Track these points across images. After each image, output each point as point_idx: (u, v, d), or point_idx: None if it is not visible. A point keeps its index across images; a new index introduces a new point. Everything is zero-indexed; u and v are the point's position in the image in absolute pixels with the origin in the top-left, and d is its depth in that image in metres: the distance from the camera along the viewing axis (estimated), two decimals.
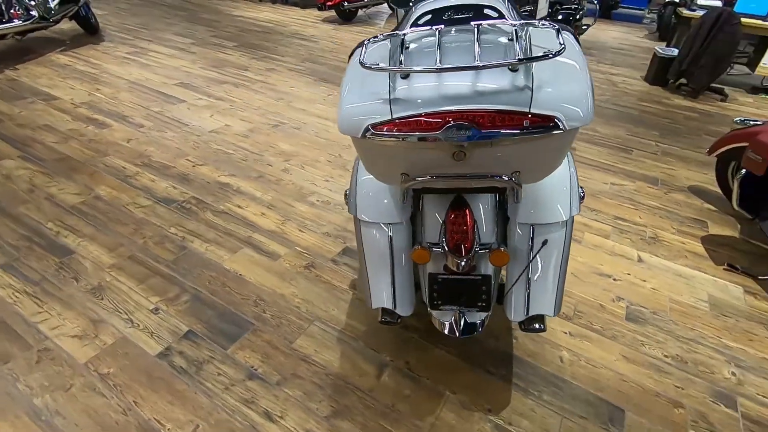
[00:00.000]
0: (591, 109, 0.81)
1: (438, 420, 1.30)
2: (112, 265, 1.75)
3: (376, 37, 0.98)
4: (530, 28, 0.92)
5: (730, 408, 1.41)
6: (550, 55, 0.76)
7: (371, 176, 1.34)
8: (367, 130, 0.86)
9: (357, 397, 1.34)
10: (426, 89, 0.83)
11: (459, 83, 0.82)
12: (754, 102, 4.51)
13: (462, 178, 0.94)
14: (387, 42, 0.99)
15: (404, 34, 0.94)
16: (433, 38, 0.93)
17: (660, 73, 4.67)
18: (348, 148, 2.81)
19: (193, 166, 2.47)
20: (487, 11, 1.03)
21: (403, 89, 0.85)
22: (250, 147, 2.72)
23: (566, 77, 0.82)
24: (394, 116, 0.84)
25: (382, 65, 0.83)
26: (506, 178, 0.93)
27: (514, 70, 0.82)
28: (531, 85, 0.80)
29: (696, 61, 4.25)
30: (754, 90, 4.85)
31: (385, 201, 1.29)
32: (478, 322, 1.24)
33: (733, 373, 1.53)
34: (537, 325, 1.25)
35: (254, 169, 2.49)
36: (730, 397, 1.44)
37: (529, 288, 1.24)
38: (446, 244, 1.16)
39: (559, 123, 0.79)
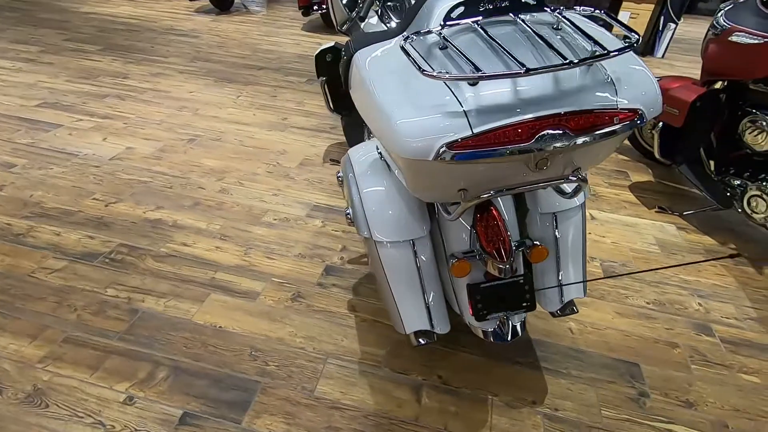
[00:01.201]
0: (661, 96, 0.79)
1: (493, 429, 1.25)
2: (44, 357, 1.35)
3: (409, 37, 0.83)
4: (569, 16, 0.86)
5: (709, 336, 1.61)
6: (634, 45, 0.71)
7: (375, 188, 1.20)
8: (441, 150, 0.73)
9: (406, 431, 1.24)
10: (506, 95, 0.73)
11: (541, 85, 0.73)
12: None
13: (533, 185, 0.87)
14: (407, 45, 0.85)
15: (441, 31, 0.82)
16: (477, 34, 0.82)
17: None
18: (284, 154, 2.55)
19: (106, 206, 2.02)
20: None
21: (477, 98, 0.73)
22: (169, 170, 2.32)
23: (630, 67, 0.79)
24: (476, 131, 0.72)
25: (455, 73, 0.70)
26: (574, 178, 0.88)
27: (590, 65, 0.76)
28: (612, 80, 0.75)
29: None
30: None
31: (403, 214, 1.17)
32: (520, 322, 1.21)
33: (700, 304, 1.74)
34: (572, 309, 1.27)
35: (185, 196, 2.13)
36: (706, 326, 1.64)
37: (560, 277, 1.23)
38: (484, 250, 1.09)
39: (643, 115, 0.76)
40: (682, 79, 2.32)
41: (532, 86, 0.74)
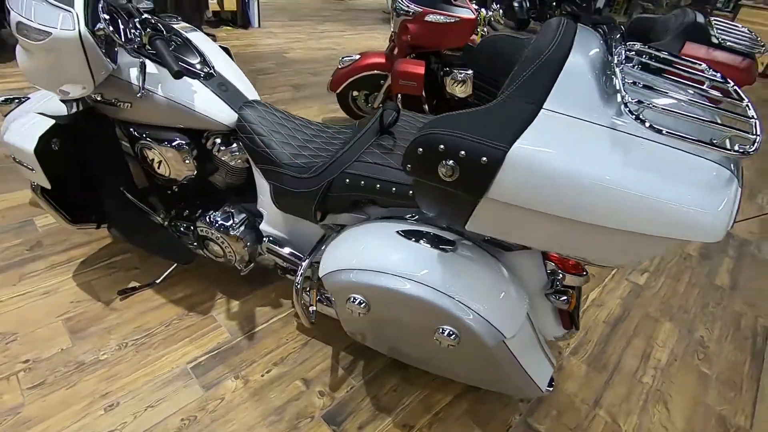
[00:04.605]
0: None
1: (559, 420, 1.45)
2: None
3: (636, 114, 0.69)
4: None
5: None
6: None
7: (472, 283, 0.99)
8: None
9: None
10: None
11: None
12: (228, 34, 5.18)
13: None
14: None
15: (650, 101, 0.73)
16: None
17: None
18: (23, 336, 1.34)
19: None
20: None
21: (718, 158, 0.74)
22: None
23: None
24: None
25: None
26: None
27: None
28: None
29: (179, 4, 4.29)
30: (215, 24, 5.46)
31: (510, 289, 1.06)
32: None
33: None
34: None
35: None
36: None
37: None
38: (568, 272, 1.15)
39: None
40: (379, 53, 2.74)
41: None
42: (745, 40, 2.11)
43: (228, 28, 5.41)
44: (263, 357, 1.42)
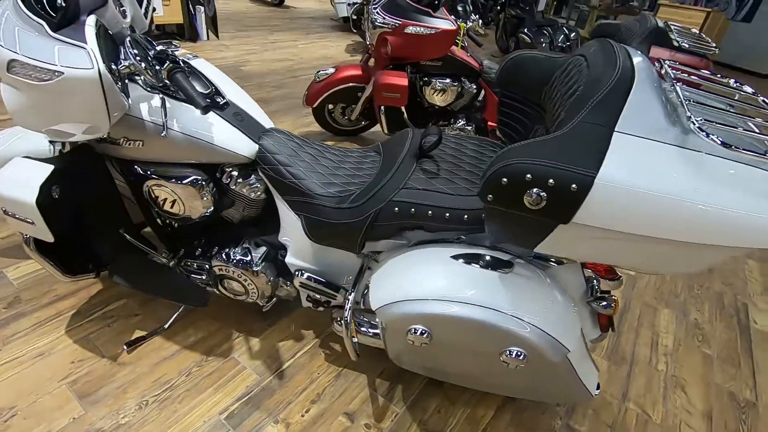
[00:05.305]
0: None
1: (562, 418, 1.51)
2: None
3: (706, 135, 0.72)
4: None
5: None
6: None
7: (534, 304, 1.00)
8: None
9: None
10: None
11: None
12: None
13: None
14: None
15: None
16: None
17: None
18: (20, 414, 1.18)
19: None
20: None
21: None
22: None
23: None
24: None
25: None
26: None
27: None
28: None
29: None
30: (161, 38, 5.17)
31: (561, 303, 1.08)
32: None
33: None
34: None
35: None
36: None
37: None
38: (605, 278, 1.20)
39: None
40: (356, 66, 2.72)
41: None
42: (699, 42, 2.30)
43: (176, 42, 5.14)
44: (298, 396, 1.35)
